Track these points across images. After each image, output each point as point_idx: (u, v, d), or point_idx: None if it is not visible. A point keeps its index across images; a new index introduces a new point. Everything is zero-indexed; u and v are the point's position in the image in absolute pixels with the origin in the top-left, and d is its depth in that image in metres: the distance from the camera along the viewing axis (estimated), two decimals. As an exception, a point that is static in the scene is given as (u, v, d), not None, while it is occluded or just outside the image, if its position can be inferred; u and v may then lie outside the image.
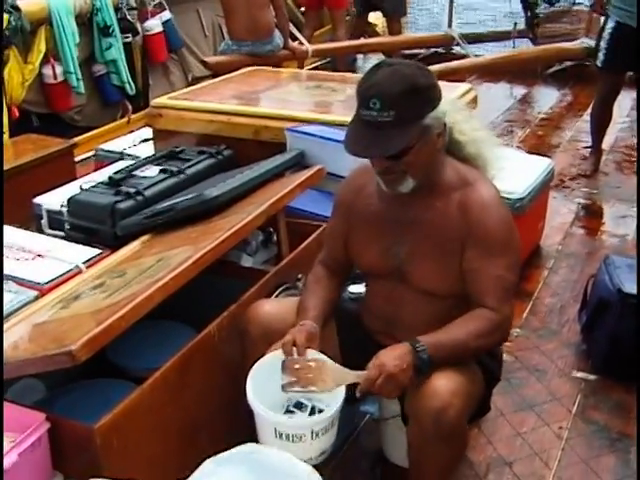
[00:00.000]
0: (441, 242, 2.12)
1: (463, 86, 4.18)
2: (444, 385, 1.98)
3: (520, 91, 7.73)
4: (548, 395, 3.00)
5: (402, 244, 2.19)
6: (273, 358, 2.16)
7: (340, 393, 2.09)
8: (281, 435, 2.03)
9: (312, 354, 2.14)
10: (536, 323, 3.50)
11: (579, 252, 4.18)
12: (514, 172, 3.85)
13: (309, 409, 2.20)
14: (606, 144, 5.62)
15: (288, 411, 2.21)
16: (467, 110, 2.35)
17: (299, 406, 2.21)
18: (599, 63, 5.06)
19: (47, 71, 5.49)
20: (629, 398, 2.96)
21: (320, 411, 2.15)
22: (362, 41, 7.98)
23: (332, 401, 2.10)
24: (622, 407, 2.93)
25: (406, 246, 2.18)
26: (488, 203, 2.10)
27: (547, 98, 7.37)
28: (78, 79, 5.61)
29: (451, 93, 3.94)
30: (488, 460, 2.65)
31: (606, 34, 4.92)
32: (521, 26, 8.18)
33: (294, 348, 2.14)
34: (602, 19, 5.32)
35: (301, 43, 6.65)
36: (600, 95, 5.27)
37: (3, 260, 2.63)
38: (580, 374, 3.13)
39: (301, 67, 7.20)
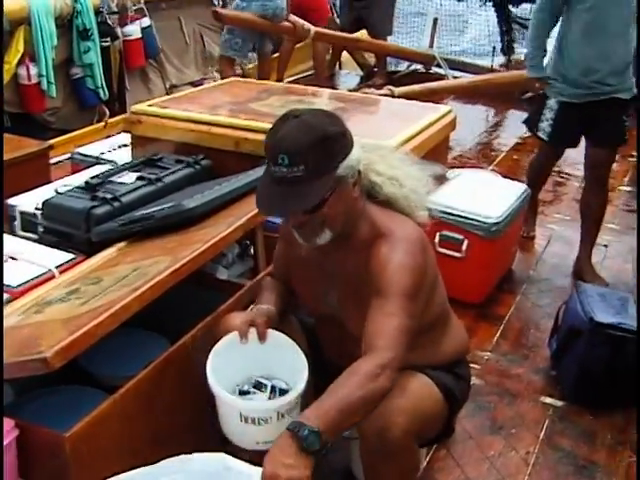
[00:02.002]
0: (362, 292, 2.06)
1: (443, 108, 4.21)
2: (388, 404, 1.96)
3: (496, 115, 7.81)
4: (516, 419, 3.01)
5: (331, 293, 2.19)
6: (229, 341, 2.18)
7: (303, 372, 2.10)
8: (246, 419, 2.03)
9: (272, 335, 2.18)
10: (506, 347, 3.51)
11: (551, 277, 4.21)
12: (491, 196, 3.93)
13: (269, 389, 2.21)
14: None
15: (247, 392, 2.21)
16: (383, 149, 2.30)
17: (259, 386, 2.22)
18: (544, 136, 4.24)
19: (22, 71, 5.48)
20: (596, 425, 2.99)
21: (280, 390, 2.18)
22: (358, 36, 8.17)
23: (293, 380, 2.13)
24: (589, 434, 2.95)
25: (335, 295, 2.19)
26: (391, 252, 2.02)
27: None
28: (50, 82, 5.59)
29: (432, 114, 3.97)
30: (456, 483, 2.66)
31: (553, 103, 4.15)
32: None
33: (252, 328, 2.17)
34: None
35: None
36: (540, 163, 4.60)
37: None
38: (548, 400, 3.15)
39: (281, 78, 7.25)
